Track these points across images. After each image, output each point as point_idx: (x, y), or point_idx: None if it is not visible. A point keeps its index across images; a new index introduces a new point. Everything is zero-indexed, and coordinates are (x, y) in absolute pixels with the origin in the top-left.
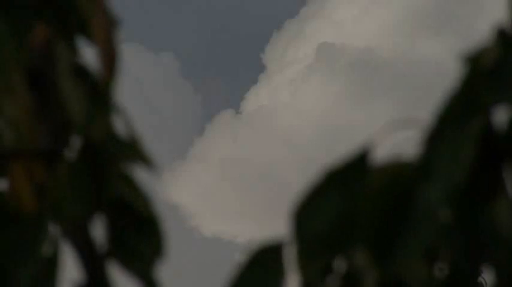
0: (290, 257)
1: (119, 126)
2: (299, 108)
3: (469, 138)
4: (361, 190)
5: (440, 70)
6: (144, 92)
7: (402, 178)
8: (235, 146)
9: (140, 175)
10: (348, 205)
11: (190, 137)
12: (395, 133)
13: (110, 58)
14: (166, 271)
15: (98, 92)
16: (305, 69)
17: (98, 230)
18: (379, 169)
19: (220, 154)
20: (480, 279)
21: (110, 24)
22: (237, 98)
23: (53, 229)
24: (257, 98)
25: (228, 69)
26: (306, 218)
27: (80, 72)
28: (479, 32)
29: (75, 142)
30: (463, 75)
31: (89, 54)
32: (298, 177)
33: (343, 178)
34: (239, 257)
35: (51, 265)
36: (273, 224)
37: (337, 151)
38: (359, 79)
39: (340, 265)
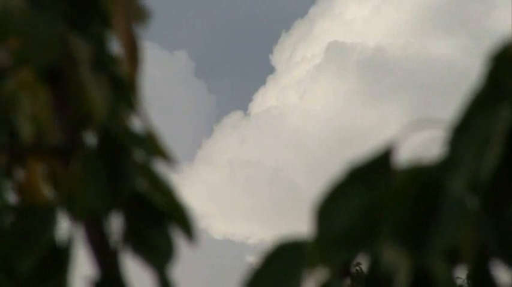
0: (310, 255)
1: (137, 121)
2: (308, 109)
3: (496, 131)
4: (385, 187)
5: (452, 69)
6: (158, 90)
7: (428, 174)
8: (244, 147)
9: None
10: (372, 202)
11: (200, 138)
12: (418, 133)
13: (132, 50)
14: (177, 274)
15: (120, 84)
16: (314, 68)
17: (114, 225)
18: (403, 167)
19: (229, 155)
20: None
21: (132, 16)
22: (245, 100)
23: (68, 223)
24: (265, 99)
25: (236, 70)
26: (329, 215)
27: (101, 64)
28: (491, 30)
29: (94, 136)
30: (489, 69)
31: (111, 46)
32: (308, 178)
33: (366, 175)
34: (251, 259)
35: (64, 258)
36: (283, 225)
37: (346, 152)
38: (370, 78)
39: (357, 266)
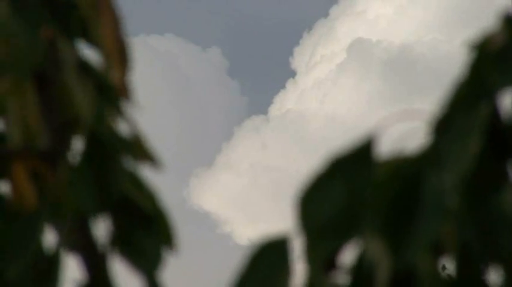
0: (296, 251)
1: (123, 125)
2: (330, 111)
3: (476, 126)
4: (367, 178)
5: None
6: (191, 88)
7: (409, 167)
8: (265, 152)
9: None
10: (354, 192)
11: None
12: (400, 123)
13: (120, 53)
14: (201, 278)
15: (106, 88)
16: (337, 68)
17: (101, 229)
18: (385, 160)
19: (250, 159)
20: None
21: (117, 22)
22: (266, 103)
23: (56, 228)
24: (286, 102)
25: (257, 73)
26: (311, 206)
27: (86, 70)
28: None
29: (80, 141)
30: (470, 61)
31: (92, 53)
32: None
33: (348, 166)
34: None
35: (53, 264)
36: None
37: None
38: (394, 78)
39: (345, 259)
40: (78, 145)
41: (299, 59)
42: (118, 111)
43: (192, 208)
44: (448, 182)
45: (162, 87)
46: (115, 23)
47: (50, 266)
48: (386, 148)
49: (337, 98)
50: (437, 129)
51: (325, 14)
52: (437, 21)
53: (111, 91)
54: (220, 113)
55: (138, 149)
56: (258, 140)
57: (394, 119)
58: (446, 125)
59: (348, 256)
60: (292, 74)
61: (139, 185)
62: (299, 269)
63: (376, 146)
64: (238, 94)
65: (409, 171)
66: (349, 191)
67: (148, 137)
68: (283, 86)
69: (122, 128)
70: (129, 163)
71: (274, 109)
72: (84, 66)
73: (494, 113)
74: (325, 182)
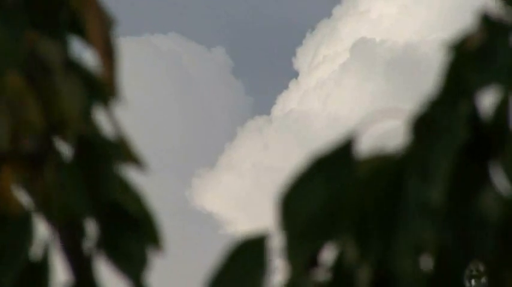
0: (275, 248)
1: (108, 127)
2: (333, 111)
3: (456, 125)
4: (348, 176)
5: None
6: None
7: (390, 168)
8: (267, 152)
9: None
10: (335, 191)
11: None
12: (381, 123)
13: (107, 54)
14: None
15: (93, 89)
16: (340, 68)
17: (88, 232)
18: (365, 159)
19: (252, 160)
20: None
21: (105, 21)
22: (269, 103)
23: (43, 232)
24: (289, 103)
25: (260, 73)
26: (292, 204)
27: (74, 69)
28: None
29: (67, 143)
30: (449, 61)
31: (83, 52)
32: None
33: (329, 164)
34: (278, 263)
35: (42, 269)
36: None
37: None
38: (398, 78)
39: (326, 257)
40: (65, 147)
41: (302, 60)
42: (105, 112)
43: (195, 208)
44: (431, 184)
45: (166, 87)
46: (102, 21)
47: (40, 271)
48: (369, 146)
49: (340, 98)
50: (416, 129)
51: (328, 14)
52: (441, 20)
53: (99, 91)
54: (223, 113)
55: (123, 151)
56: (260, 140)
57: (376, 118)
58: (426, 124)
59: (329, 254)
60: (295, 74)
61: (125, 187)
62: (278, 267)
63: (357, 144)
64: (242, 94)
65: (390, 171)
66: (330, 191)
67: (132, 138)
68: (286, 87)
69: (108, 129)
70: (115, 164)
71: (277, 109)
72: (72, 66)
73: (474, 112)
74: (306, 180)
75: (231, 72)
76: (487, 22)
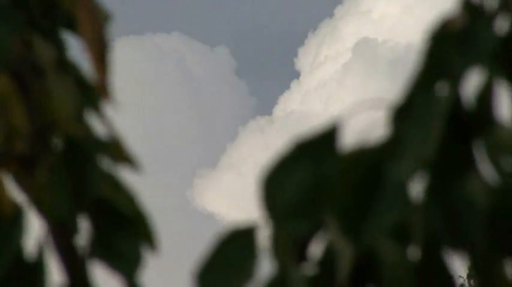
0: (263, 238)
1: (100, 127)
2: (334, 112)
3: (437, 111)
4: (331, 161)
5: None
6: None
7: (372, 154)
8: (269, 152)
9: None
10: (317, 175)
11: (225, 143)
12: (365, 112)
13: (100, 54)
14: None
15: (86, 89)
16: (342, 68)
17: (81, 232)
18: (348, 147)
19: (254, 160)
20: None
21: (98, 19)
22: (271, 104)
23: (37, 233)
24: (290, 103)
25: (263, 74)
26: (275, 187)
27: (66, 69)
28: None
29: (58, 143)
30: (429, 45)
31: (76, 49)
32: None
33: (312, 149)
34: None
35: (37, 270)
36: None
37: None
38: (400, 78)
39: (314, 251)
40: (57, 147)
41: (303, 60)
42: (97, 112)
43: (196, 208)
44: (407, 169)
45: (168, 86)
46: (96, 20)
47: (35, 271)
48: (354, 137)
49: (341, 98)
50: (398, 117)
51: (330, 14)
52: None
53: (91, 92)
54: (225, 113)
55: (116, 151)
56: (262, 140)
57: (360, 107)
58: (407, 111)
59: (317, 248)
60: (297, 74)
61: (118, 187)
62: (267, 257)
63: (340, 132)
64: (246, 94)
65: (371, 159)
66: (313, 175)
67: (126, 139)
68: (287, 87)
69: (100, 129)
70: (108, 164)
71: (279, 110)
72: (65, 66)
73: (456, 96)
74: (289, 164)
75: (235, 73)
76: (468, 6)
